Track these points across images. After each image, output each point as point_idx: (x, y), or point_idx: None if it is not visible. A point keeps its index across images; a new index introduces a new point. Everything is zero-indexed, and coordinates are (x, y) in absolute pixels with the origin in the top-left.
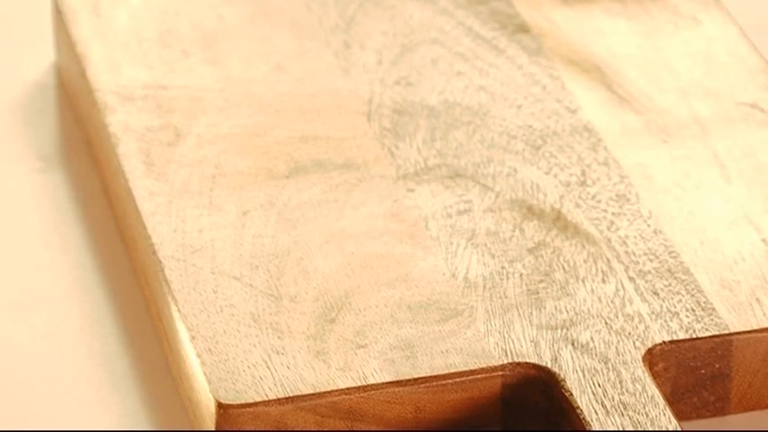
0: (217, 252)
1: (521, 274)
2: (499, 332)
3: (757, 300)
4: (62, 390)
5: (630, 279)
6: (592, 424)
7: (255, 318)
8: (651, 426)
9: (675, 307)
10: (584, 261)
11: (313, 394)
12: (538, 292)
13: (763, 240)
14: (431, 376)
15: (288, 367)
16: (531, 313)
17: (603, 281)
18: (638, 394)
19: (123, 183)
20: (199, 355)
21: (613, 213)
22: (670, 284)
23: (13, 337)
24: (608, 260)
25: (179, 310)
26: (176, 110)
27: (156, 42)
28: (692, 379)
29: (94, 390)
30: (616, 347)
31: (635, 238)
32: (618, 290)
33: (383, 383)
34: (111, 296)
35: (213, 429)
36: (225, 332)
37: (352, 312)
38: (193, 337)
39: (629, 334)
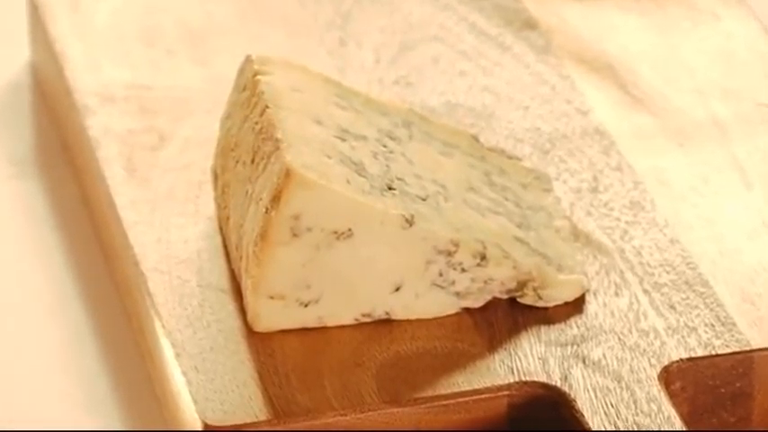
0: (203, 264)
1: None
2: (505, 349)
3: None
4: (38, 410)
5: (645, 292)
6: None
7: (245, 333)
8: None
9: (693, 322)
10: (596, 273)
11: (306, 416)
12: (546, 307)
13: None
14: (432, 396)
15: (279, 386)
16: (540, 329)
17: (617, 294)
18: (653, 415)
19: (103, 189)
20: (184, 374)
21: (627, 222)
22: (687, 297)
23: None
24: (621, 272)
25: (163, 326)
26: (160, 112)
27: (139, 40)
28: (711, 399)
29: (73, 410)
30: (630, 365)
31: (650, 248)
32: (632, 303)
33: (381, 404)
34: (91, 311)
35: None
36: (212, 349)
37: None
38: (178, 354)
39: (644, 351)
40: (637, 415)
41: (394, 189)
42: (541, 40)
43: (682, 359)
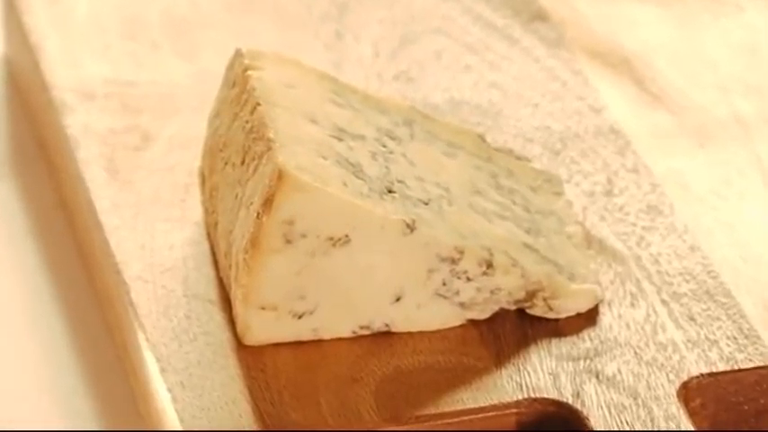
0: (190, 272)
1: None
2: (513, 364)
3: None
4: (15, 428)
5: (663, 302)
6: None
7: (234, 347)
8: None
9: (715, 334)
10: (611, 282)
11: None
12: (557, 318)
13: None
14: (435, 414)
15: (271, 403)
16: (550, 342)
17: (632, 305)
18: None
19: (83, 193)
20: (169, 390)
21: (644, 227)
22: (709, 308)
23: None
24: (638, 281)
25: (147, 339)
26: (144, 109)
27: (121, 32)
28: (734, 416)
29: (51, 428)
30: (647, 381)
31: (668, 255)
32: (649, 315)
33: (380, 422)
34: (69, 323)
35: None
36: (199, 363)
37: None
38: (163, 370)
39: (662, 365)
40: None
41: (394, 192)
42: (553, 32)
43: (702, 374)
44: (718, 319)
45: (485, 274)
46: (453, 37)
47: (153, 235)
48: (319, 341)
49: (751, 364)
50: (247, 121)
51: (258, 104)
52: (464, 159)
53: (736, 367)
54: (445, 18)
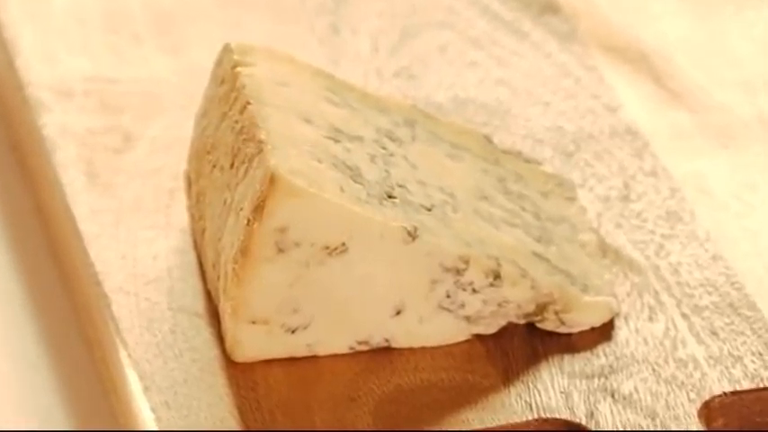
0: (175, 283)
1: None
2: (523, 381)
3: None
4: None
5: (684, 316)
6: None
7: (223, 364)
8: None
9: (739, 350)
10: (627, 294)
11: None
12: (570, 333)
13: None
14: None
15: (263, 425)
16: (562, 358)
17: (651, 318)
18: None
19: (60, 198)
20: (153, 410)
21: (663, 235)
22: (732, 322)
23: None
24: (656, 293)
25: (129, 355)
26: (126, 108)
27: (102, 26)
28: None
29: None
30: (666, 400)
31: (689, 265)
32: (668, 329)
33: None
34: (46, 337)
35: None
36: (185, 382)
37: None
38: (147, 388)
39: (682, 383)
40: None
41: (394, 197)
42: (565, 25)
43: (725, 393)
44: (743, 333)
45: (492, 285)
46: (458, 30)
47: (135, 244)
48: (314, 357)
49: None
50: (237, 121)
51: (248, 103)
52: (470, 162)
53: (761, 385)
54: (449, 10)
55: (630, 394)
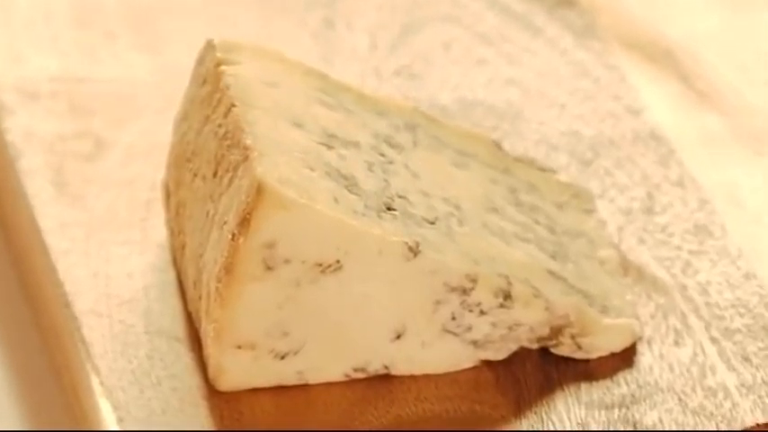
0: (152, 304)
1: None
2: (536, 413)
3: None
4: None
5: (713, 340)
6: None
7: (205, 393)
8: None
9: None
10: (651, 316)
11: None
12: (588, 359)
13: None
14: None
15: None
16: (579, 386)
17: (677, 343)
18: None
19: (25, 210)
20: None
21: (690, 251)
22: (767, 347)
23: None
24: (683, 315)
25: (102, 383)
26: (98, 111)
27: (71, 21)
28: None
29: None
30: None
31: (719, 284)
32: (696, 355)
33: None
34: (9, 364)
35: None
36: (164, 412)
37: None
38: (121, 419)
39: (711, 414)
40: None
41: (394, 209)
42: (582, 19)
43: (759, 424)
44: None
45: (502, 306)
46: (464, 25)
47: (108, 260)
48: (306, 386)
49: None
50: (220, 126)
51: (233, 105)
52: (477, 171)
53: None
54: (455, 3)
55: (654, 426)
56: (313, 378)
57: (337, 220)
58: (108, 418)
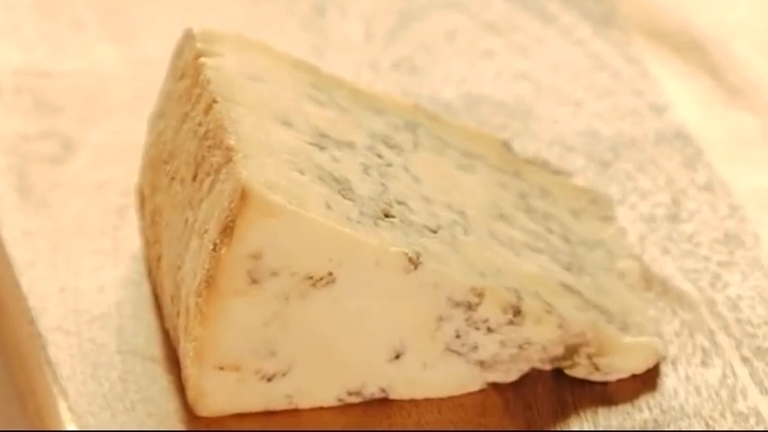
0: (125, 321)
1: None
2: None
3: None
4: None
5: (745, 360)
6: None
7: (184, 418)
8: None
9: None
10: (676, 334)
11: None
12: (606, 381)
13: None
14: None
15: None
16: (596, 411)
17: (704, 363)
18: None
19: None
20: None
21: (719, 263)
22: None
23: None
24: (711, 332)
25: (70, 408)
26: (65, 108)
27: (35, 9)
28: None
29: None
30: None
31: (751, 299)
32: (726, 376)
33: None
34: None
35: None
36: None
37: None
38: None
39: None
40: None
41: (393, 217)
42: (600, 6)
43: None
44: None
45: (511, 323)
46: (470, 13)
47: (77, 273)
48: (295, 411)
49: None
50: (200, 124)
51: (215, 102)
52: (484, 174)
53: None
54: None
55: None
56: (303, 402)
57: (330, 228)
58: None
